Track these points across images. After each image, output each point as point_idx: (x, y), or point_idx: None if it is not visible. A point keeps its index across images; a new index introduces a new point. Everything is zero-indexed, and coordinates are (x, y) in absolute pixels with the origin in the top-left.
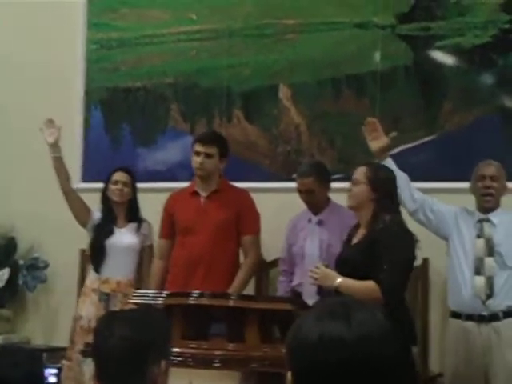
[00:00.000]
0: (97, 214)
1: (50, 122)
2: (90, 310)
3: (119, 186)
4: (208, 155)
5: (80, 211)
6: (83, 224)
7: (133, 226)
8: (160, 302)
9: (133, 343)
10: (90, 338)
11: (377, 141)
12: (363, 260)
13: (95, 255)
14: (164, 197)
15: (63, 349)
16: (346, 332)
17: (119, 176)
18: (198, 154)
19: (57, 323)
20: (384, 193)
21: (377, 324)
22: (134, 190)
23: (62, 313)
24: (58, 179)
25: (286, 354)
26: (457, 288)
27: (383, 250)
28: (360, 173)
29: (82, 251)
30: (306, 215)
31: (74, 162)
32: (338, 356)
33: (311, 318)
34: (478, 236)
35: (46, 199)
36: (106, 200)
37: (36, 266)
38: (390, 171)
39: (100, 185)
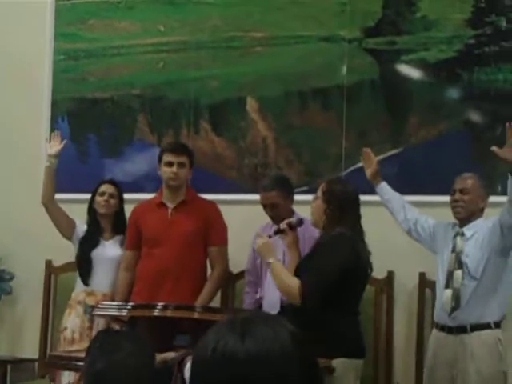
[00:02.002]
0: (82, 227)
1: (58, 137)
2: (74, 321)
3: (105, 197)
4: (181, 165)
5: (63, 224)
6: (67, 237)
7: (119, 238)
8: (124, 313)
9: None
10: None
11: (369, 168)
12: (302, 267)
13: (82, 267)
14: (131, 208)
15: (29, 360)
16: (239, 347)
17: (106, 187)
18: (170, 164)
19: (22, 335)
20: (334, 205)
21: (276, 342)
22: (121, 202)
23: (28, 324)
24: (43, 188)
25: None
26: (436, 301)
27: (316, 257)
28: (319, 188)
29: (48, 262)
30: (271, 227)
31: (40, 172)
32: (230, 372)
33: (212, 331)
34: (453, 250)
35: (13, 211)
36: (92, 212)
37: (1, 278)
38: (349, 186)
39: (66, 195)
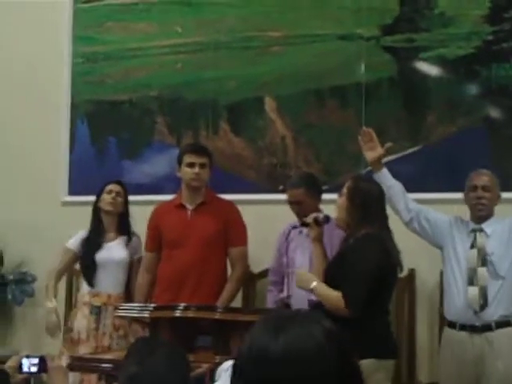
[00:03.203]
0: (82, 234)
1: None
2: (81, 322)
3: (113, 195)
4: (202, 165)
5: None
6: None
7: (123, 239)
8: (146, 315)
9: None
10: (78, 350)
11: (372, 151)
12: (334, 274)
13: (87, 270)
14: (150, 210)
15: None
16: (272, 345)
17: (113, 187)
18: (192, 165)
19: (44, 336)
20: (358, 203)
21: (310, 339)
22: (126, 202)
23: None
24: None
25: None
26: (451, 298)
27: (348, 264)
28: (345, 185)
29: None
30: (293, 228)
31: (60, 175)
32: (264, 370)
33: (251, 330)
34: (472, 246)
35: (35, 213)
36: (96, 212)
37: (24, 281)
38: (375, 184)
39: (87, 198)
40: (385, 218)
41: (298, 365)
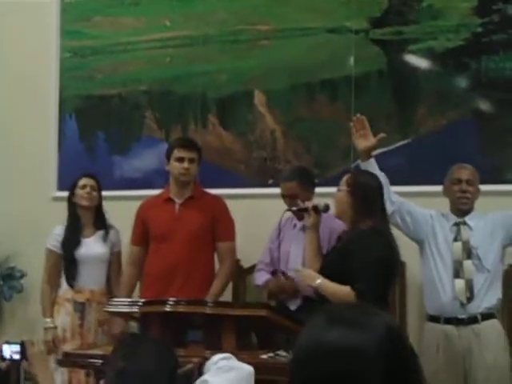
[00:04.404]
0: (59, 230)
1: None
2: (64, 320)
3: (87, 190)
4: (191, 160)
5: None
6: None
7: (100, 234)
8: (136, 310)
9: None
10: (64, 348)
11: (364, 139)
12: (337, 268)
13: (68, 268)
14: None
15: None
16: (325, 336)
17: (86, 181)
18: (181, 159)
19: (34, 332)
20: (361, 197)
21: (368, 333)
22: (101, 196)
23: (39, 322)
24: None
25: None
26: (435, 292)
27: (357, 257)
28: (343, 180)
29: None
30: (292, 220)
31: (49, 170)
32: (316, 361)
33: (308, 323)
34: (455, 239)
35: (23, 208)
36: (72, 207)
37: (12, 276)
38: (373, 177)
39: None
40: (384, 210)
41: (356, 358)
